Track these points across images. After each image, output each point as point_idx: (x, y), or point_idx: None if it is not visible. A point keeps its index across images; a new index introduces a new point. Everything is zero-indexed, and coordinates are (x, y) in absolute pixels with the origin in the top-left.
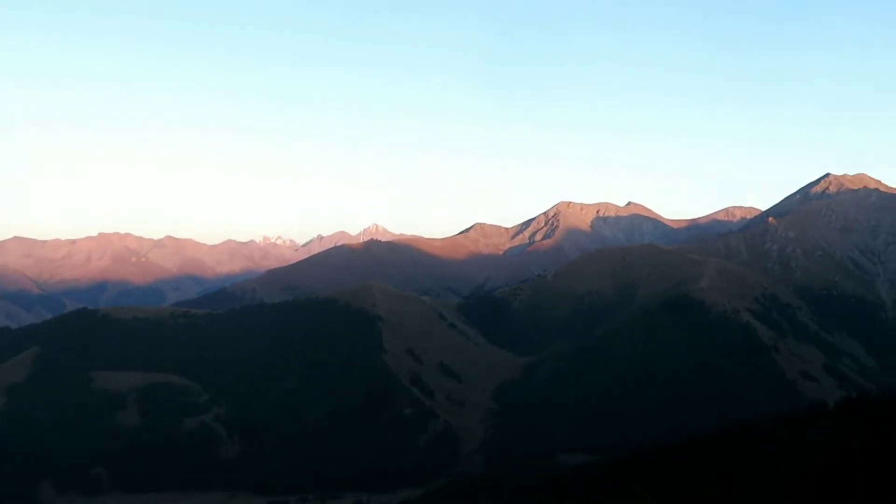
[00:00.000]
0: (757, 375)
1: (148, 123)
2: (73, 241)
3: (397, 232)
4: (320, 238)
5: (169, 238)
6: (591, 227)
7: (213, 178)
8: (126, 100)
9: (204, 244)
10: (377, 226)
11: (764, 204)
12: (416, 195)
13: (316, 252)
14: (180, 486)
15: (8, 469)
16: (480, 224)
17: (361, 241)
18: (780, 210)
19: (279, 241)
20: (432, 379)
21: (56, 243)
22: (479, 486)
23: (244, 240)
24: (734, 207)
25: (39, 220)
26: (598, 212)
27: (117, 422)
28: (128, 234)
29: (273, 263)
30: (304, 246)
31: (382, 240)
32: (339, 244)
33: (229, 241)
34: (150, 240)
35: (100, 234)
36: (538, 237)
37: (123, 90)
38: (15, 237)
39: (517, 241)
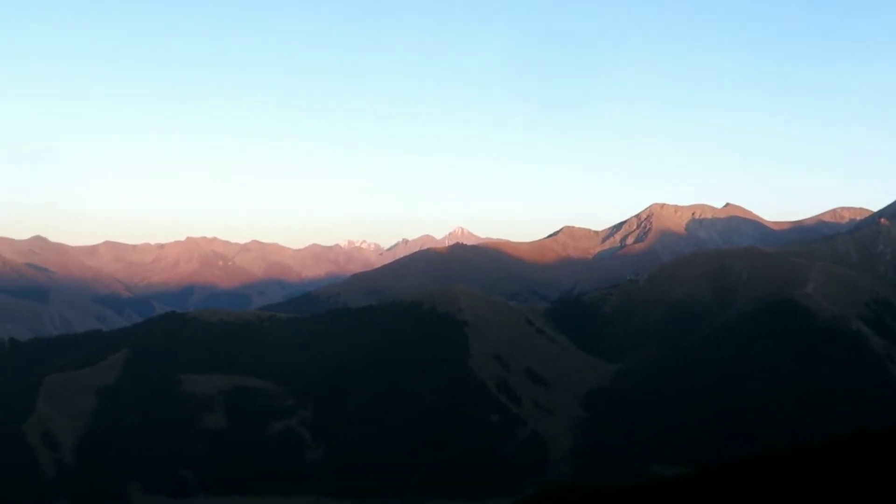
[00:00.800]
0: (867, 386)
1: (235, 127)
2: (162, 246)
3: (483, 236)
4: (405, 242)
5: (255, 242)
6: (685, 229)
7: (297, 183)
8: (213, 103)
9: (289, 248)
10: (462, 229)
11: (875, 205)
12: (502, 198)
13: (400, 256)
14: (265, 490)
15: (97, 470)
16: (569, 227)
17: (446, 245)
18: (893, 211)
19: (364, 246)
20: (520, 385)
21: (145, 248)
22: (568, 495)
23: (329, 244)
24: (842, 208)
25: (130, 224)
26: (693, 214)
27: (204, 424)
28: (215, 239)
29: (357, 268)
30: (388, 250)
31: (468, 244)
32: (423, 248)
33: (314, 246)
34: (237, 244)
35: (188, 238)
36: (630, 240)
37: (211, 93)
38: (106, 242)
39: (607, 245)
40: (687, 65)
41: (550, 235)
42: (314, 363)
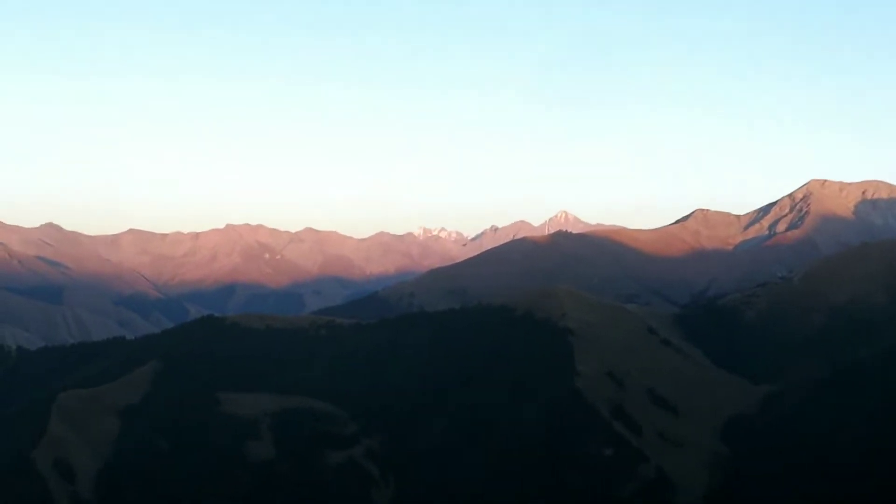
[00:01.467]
0: None
1: (283, 96)
2: (197, 235)
3: (592, 222)
4: (494, 230)
5: (309, 231)
6: (854, 212)
7: (361, 160)
8: (256, 79)
9: (350, 238)
10: (566, 214)
11: None
12: (615, 175)
13: (488, 248)
14: None
15: None
16: (702, 210)
17: (546, 233)
18: None
19: (443, 235)
20: (640, 411)
21: (177, 238)
22: None
23: (399, 232)
24: None
25: (158, 210)
26: (864, 192)
27: (248, 453)
28: (260, 227)
29: (435, 262)
30: (473, 240)
31: (573, 231)
32: (517, 237)
33: (381, 235)
34: (287, 233)
35: (227, 226)
36: (780, 227)
37: (249, 70)
38: (130, 230)
39: (751, 233)
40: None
41: (678, 221)
42: (382, 381)
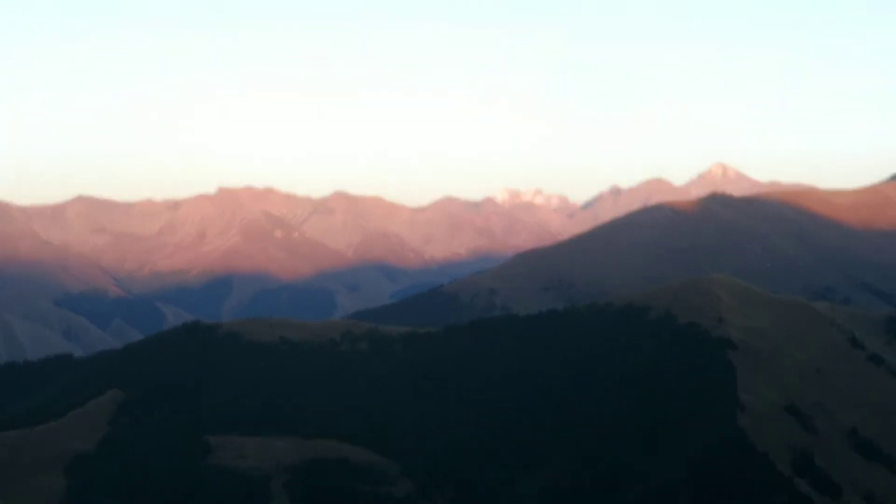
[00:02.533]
0: None
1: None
2: (177, 204)
3: (763, 179)
4: (615, 193)
5: (340, 197)
6: None
7: (411, 95)
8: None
9: (402, 207)
10: (724, 168)
11: None
12: (799, 111)
13: (607, 219)
14: None
15: None
16: None
17: (693, 196)
18: None
19: (538, 201)
20: (836, 461)
21: (148, 208)
22: None
23: (474, 198)
24: None
25: (119, 170)
26: None
27: None
28: (269, 191)
29: (527, 241)
30: (584, 208)
31: (734, 193)
32: (650, 203)
33: (447, 202)
34: (308, 199)
35: (221, 190)
36: None
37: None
38: (79, 198)
39: None
40: None
41: (891, 179)
42: (449, 418)
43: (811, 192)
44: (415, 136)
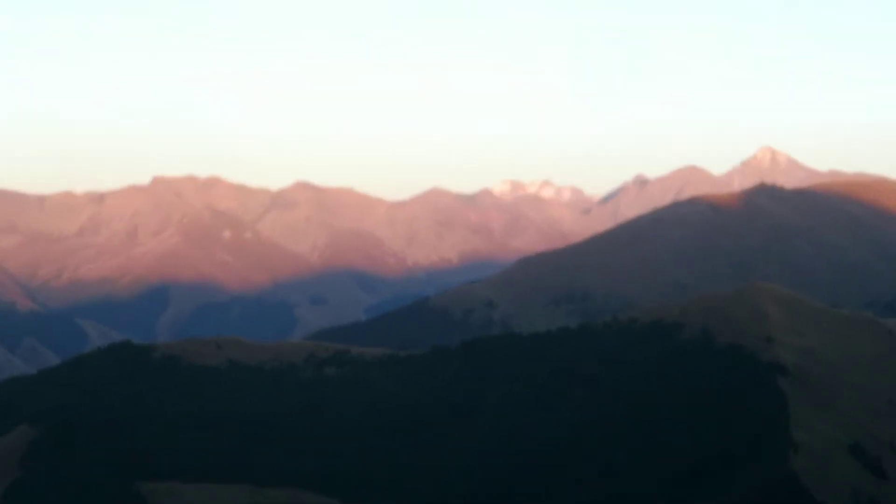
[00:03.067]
0: None
1: None
2: (101, 197)
3: (821, 167)
4: (640, 184)
5: (303, 188)
6: None
7: (390, 63)
8: None
9: (380, 200)
10: (772, 152)
11: None
12: (858, 84)
13: (630, 216)
14: None
15: None
16: None
17: (735, 187)
18: None
19: (546, 193)
20: None
21: (66, 201)
22: None
23: (467, 190)
24: None
25: (30, 153)
26: None
27: None
28: (215, 181)
29: (532, 242)
30: (603, 202)
31: (785, 185)
32: (683, 197)
33: (434, 194)
34: (264, 191)
35: (156, 180)
36: None
37: None
38: None
39: None
40: None
41: None
42: (437, 463)
43: (879, 184)
44: (394, 115)
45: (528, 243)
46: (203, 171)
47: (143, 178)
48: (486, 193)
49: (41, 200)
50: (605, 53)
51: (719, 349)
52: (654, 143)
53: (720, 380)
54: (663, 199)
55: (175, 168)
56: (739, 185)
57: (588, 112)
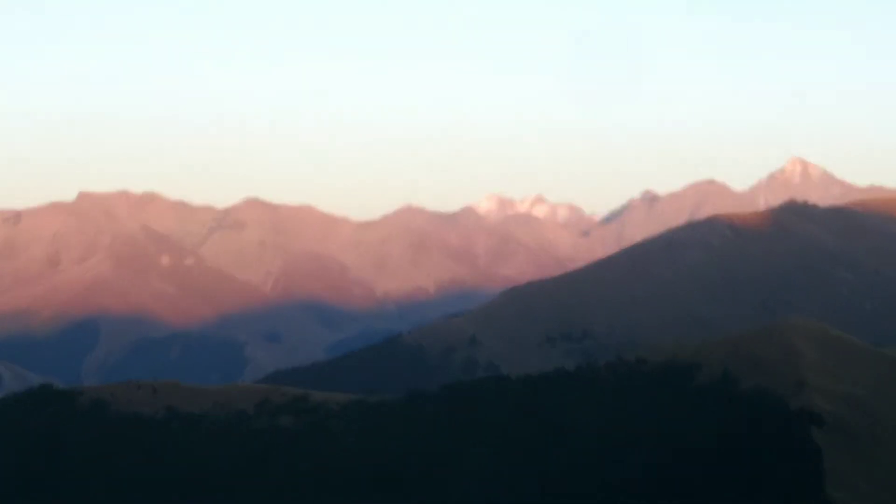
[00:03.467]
0: None
1: None
2: (17, 216)
3: (860, 182)
4: (649, 200)
5: (253, 205)
6: None
7: (358, 60)
8: None
9: (344, 220)
10: (804, 164)
11: None
12: None
13: (637, 239)
14: None
15: None
16: None
17: (761, 206)
18: None
19: (539, 212)
20: None
21: None
22: None
23: (446, 208)
24: None
25: None
26: None
27: None
28: (152, 197)
29: (523, 269)
30: (605, 222)
31: (818, 202)
32: (699, 216)
33: (406, 213)
34: (208, 209)
35: (81, 195)
36: None
37: None
38: None
39: None
40: None
41: None
42: None
43: None
44: (361, 120)
45: (517, 270)
46: (137, 186)
47: (67, 195)
48: (468, 212)
49: None
50: (607, 48)
51: (743, 395)
52: (664, 153)
53: (744, 431)
54: (676, 218)
55: (104, 183)
56: (765, 202)
57: (588, 116)
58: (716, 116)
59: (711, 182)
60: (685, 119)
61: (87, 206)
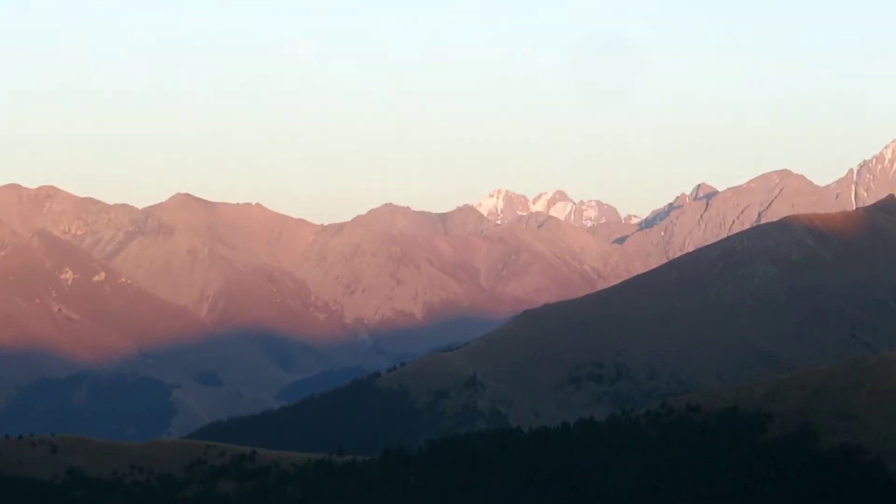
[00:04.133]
0: None
1: None
2: None
3: None
4: (702, 198)
5: (183, 201)
6: None
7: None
8: None
9: (304, 223)
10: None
11: None
12: None
13: (687, 248)
14: None
15: None
16: None
17: (850, 204)
18: None
19: (557, 212)
20: None
21: None
22: None
23: (436, 208)
24: None
25: None
26: None
27: None
28: (49, 191)
29: (536, 288)
30: (646, 227)
31: None
32: (769, 218)
33: (383, 213)
34: (123, 207)
35: None
36: None
37: None
38: None
39: None
40: None
41: None
42: None
43: None
44: (322, 96)
45: (530, 289)
46: (33, 180)
47: None
48: (465, 212)
49: None
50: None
51: (826, 453)
52: (722, 137)
53: (828, 499)
54: (740, 221)
55: None
56: (855, 199)
57: (620, 89)
58: (791, 90)
59: (785, 173)
60: (750, 91)
61: None
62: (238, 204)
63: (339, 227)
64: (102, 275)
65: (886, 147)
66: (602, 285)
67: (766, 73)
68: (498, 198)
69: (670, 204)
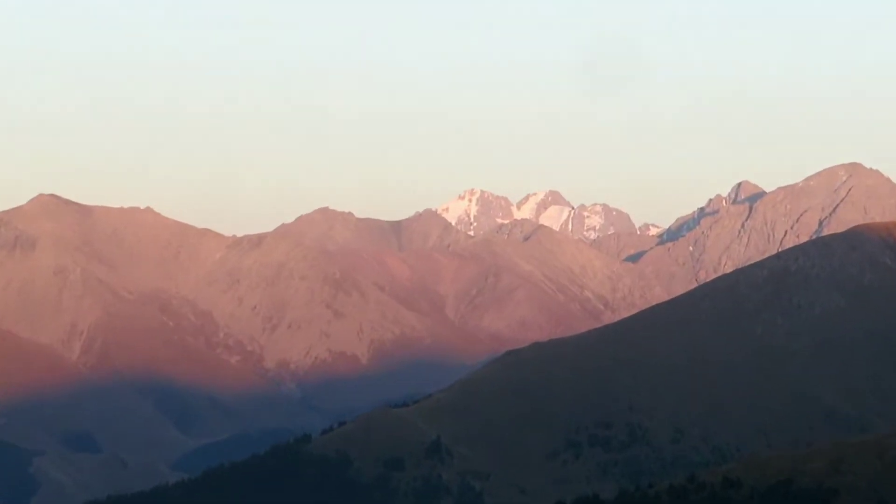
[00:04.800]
0: None
1: None
2: None
3: None
4: (744, 201)
5: (48, 204)
6: None
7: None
8: None
9: (208, 233)
10: None
11: None
12: None
13: (725, 268)
14: None
15: None
16: None
17: None
18: None
19: (549, 219)
20: None
21: None
22: None
23: (386, 214)
24: None
25: None
26: None
27: None
28: None
29: (518, 320)
30: (669, 240)
31: None
32: (834, 228)
33: (315, 219)
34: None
35: None
36: None
37: None
38: None
39: None
40: None
41: None
42: None
43: None
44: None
45: (513, 323)
46: None
47: None
48: (427, 219)
49: None
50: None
51: None
52: (770, 118)
53: None
54: (795, 232)
55: None
56: None
57: (632, 63)
58: (859, 58)
59: (855, 168)
60: (804, 65)
61: None
62: (122, 208)
63: (256, 240)
64: None
65: None
66: (610, 318)
67: (831, 38)
68: (470, 200)
69: (701, 209)
